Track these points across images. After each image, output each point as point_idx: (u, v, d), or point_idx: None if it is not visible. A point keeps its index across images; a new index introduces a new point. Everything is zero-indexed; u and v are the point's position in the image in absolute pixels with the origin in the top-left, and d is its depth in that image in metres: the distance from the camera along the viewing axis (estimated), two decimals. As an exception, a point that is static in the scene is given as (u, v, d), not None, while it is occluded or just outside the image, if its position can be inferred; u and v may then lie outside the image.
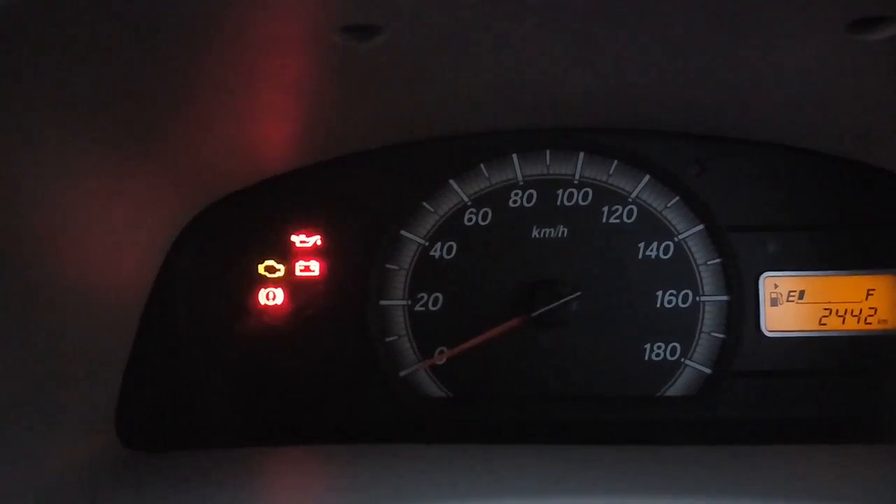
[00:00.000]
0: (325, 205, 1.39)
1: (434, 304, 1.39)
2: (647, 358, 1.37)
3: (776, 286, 1.35)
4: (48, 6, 0.73)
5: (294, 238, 1.39)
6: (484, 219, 1.40)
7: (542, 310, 1.34)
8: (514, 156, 1.39)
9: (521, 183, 1.40)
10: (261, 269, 1.39)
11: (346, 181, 1.39)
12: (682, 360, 1.37)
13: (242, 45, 0.90)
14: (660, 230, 1.38)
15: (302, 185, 1.39)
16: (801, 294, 1.35)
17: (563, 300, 1.34)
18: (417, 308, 1.39)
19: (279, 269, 1.39)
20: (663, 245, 1.38)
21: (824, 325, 1.35)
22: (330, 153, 1.37)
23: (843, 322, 1.34)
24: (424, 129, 1.34)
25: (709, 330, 1.37)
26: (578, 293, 1.35)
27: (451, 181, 1.39)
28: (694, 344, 1.37)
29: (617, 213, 1.38)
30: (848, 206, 1.35)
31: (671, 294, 1.37)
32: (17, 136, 0.87)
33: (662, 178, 1.37)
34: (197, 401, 1.37)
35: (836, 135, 1.28)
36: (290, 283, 1.39)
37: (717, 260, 1.37)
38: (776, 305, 1.35)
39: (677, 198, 1.38)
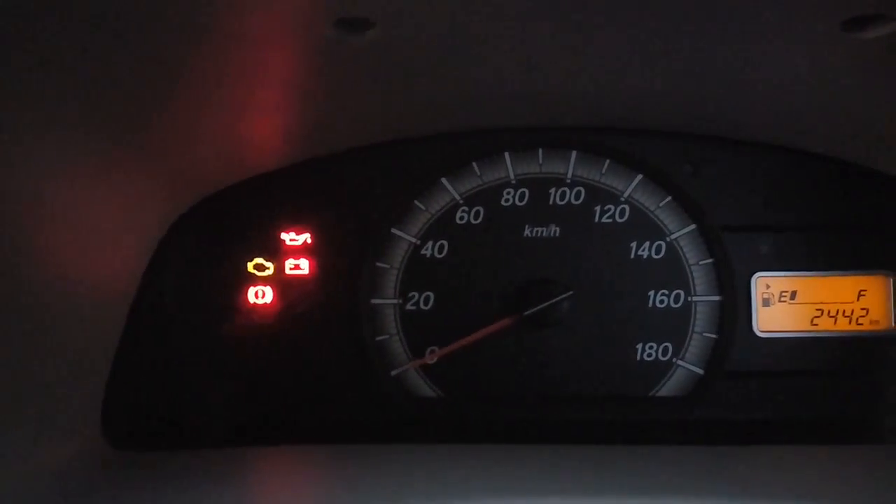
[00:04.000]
0: (315, 202, 1.38)
1: (425, 304, 1.39)
2: (639, 358, 1.37)
3: (768, 286, 1.35)
4: (39, 3, 0.72)
5: (283, 236, 1.38)
6: (476, 217, 1.39)
7: (534, 309, 1.34)
8: (507, 154, 1.39)
9: (514, 182, 1.39)
10: (250, 266, 1.38)
11: (336, 179, 1.38)
12: (674, 360, 1.37)
13: (233, 39, 0.89)
14: (652, 230, 1.37)
15: (292, 182, 1.38)
16: (794, 294, 1.35)
17: (554, 300, 1.34)
18: (408, 307, 1.39)
19: (268, 268, 1.38)
20: (655, 245, 1.38)
21: (816, 325, 1.35)
22: (321, 150, 1.36)
23: (835, 322, 1.34)
24: (416, 127, 1.34)
25: (701, 330, 1.37)
26: (570, 293, 1.35)
27: (443, 179, 1.39)
28: (686, 344, 1.37)
29: (609, 213, 1.38)
30: (840, 207, 1.35)
31: (663, 294, 1.37)
32: (3, 134, 0.85)
33: (655, 177, 1.37)
34: (185, 400, 1.36)
35: (829, 135, 1.29)
36: (280, 282, 1.38)
37: (710, 260, 1.37)
38: (768, 306, 1.35)
39: (669, 197, 1.37)
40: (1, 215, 0.89)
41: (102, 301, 1.16)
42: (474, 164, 1.39)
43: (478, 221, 1.39)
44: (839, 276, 1.35)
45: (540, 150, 1.39)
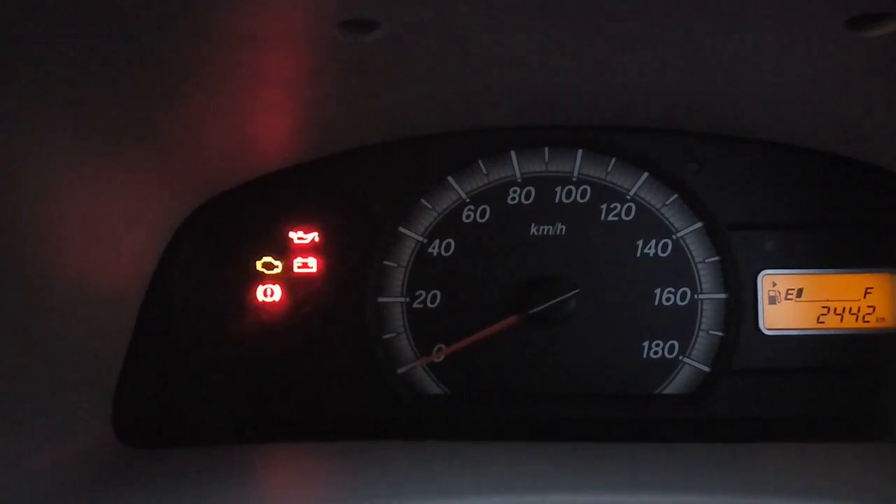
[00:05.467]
0: (322, 201, 1.39)
1: (432, 302, 1.39)
2: (645, 356, 1.37)
3: (774, 284, 1.35)
4: (45, 6, 0.73)
5: (292, 234, 1.39)
6: (482, 216, 1.39)
7: (541, 307, 1.34)
8: (513, 153, 1.39)
9: (520, 180, 1.39)
10: (258, 265, 1.39)
11: (344, 178, 1.38)
12: (681, 357, 1.37)
13: (239, 40, 0.89)
14: (658, 228, 1.37)
15: (300, 181, 1.39)
16: (800, 292, 1.35)
17: (561, 297, 1.34)
18: (416, 305, 1.39)
19: (277, 266, 1.39)
20: (662, 243, 1.38)
21: (822, 323, 1.35)
22: (328, 149, 1.37)
23: (842, 320, 1.34)
24: (423, 126, 1.34)
25: (707, 328, 1.37)
26: (576, 290, 1.35)
27: (450, 178, 1.39)
28: (692, 342, 1.37)
29: (615, 211, 1.38)
30: (846, 205, 1.35)
31: (669, 292, 1.37)
32: (13, 135, 0.86)
33: (661, 175, 1.37)
34: (194, 397, 1.37)
35: (835, 133, 1.28)
36: (288, 280, 1.38)
37: (716, 258, 1.37)
38: (774, 303, 1.35)
39: (676, 195, 1.37)
40: (11, 217, 0.90)
41: (112, 300, 1.17)
42: (480, 162, 1.39)
43: (484, 220, 1.39)
44: (845, 273, 1.34)
45: (546, 149, 1.39)
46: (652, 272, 1.37)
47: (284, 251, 1.39)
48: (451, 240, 1.39)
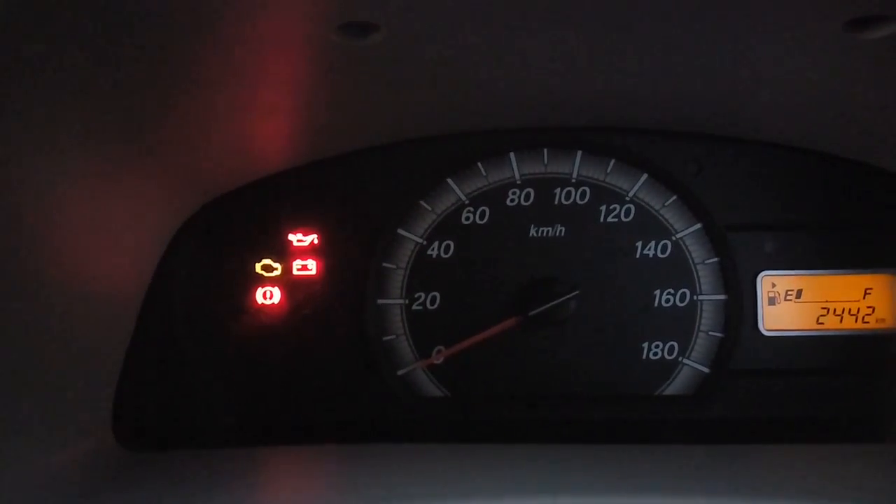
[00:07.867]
0: (322, 203, 1.39)
1: (432, 304, 1.39)
2: (644, 357, 1.37)
3: (774, 285, 1.35)
4: (45, 5, 0.73)
5: (291, 237, 1.38)
6: (482, 218, 1.39)
7: (540, 309, 1.34)
8: (512, 154, 1.39)
9: (519, 182, 1.39)
10: (258, 268, 1.38)
11: (343, 180, 1.38)
12: (680, 359, 1.37)
13: (239, 43, 0.89)
14: (657, 229, 1.37)
15: (299, 183, 1.38)
16: (799, 293, 1.35)
17: (560, 299, 1.34)
18: (415, 307, 1.39)
19: (276, 268, 1.39)
20: (661, 244, 1.38)
21: (822, 324, 1.35)
22: (327, 152, 1.37)
23: (841, 321, 1.34)
24: (422, 128, 1.34)
25: (707, 329, 1.37)
26: (576, 292, 1.35)
27: (449, 180, 1.39)
28: (692, 343, 1.37)
29: (615, 212, 1.38)
30: (846, 205, 1.35)
31: (669, 293, 1.37)
32: (12, 136, 0.86)
33: (660, 176, 1.37)
34: (194, 400, 1.37)
35: (834, 134, 1.28)
36: (287, 283, 1.38)
37: (715, 259, 1.37)
38: (774, 304, 1.35)
39: (675, 197, 1.37)
40: (13, 219, 0.90)
41: (112, 303, 1.17)
42: (480, 164, 1.39)
43: (483, 221, 1.39)
44: (845, 274, 1.34)
45: (545, 150, 1.39)
46: (651, 273, 1.37)
47: (284, 253, 1.39)
48: (450, 241, 1.39)
